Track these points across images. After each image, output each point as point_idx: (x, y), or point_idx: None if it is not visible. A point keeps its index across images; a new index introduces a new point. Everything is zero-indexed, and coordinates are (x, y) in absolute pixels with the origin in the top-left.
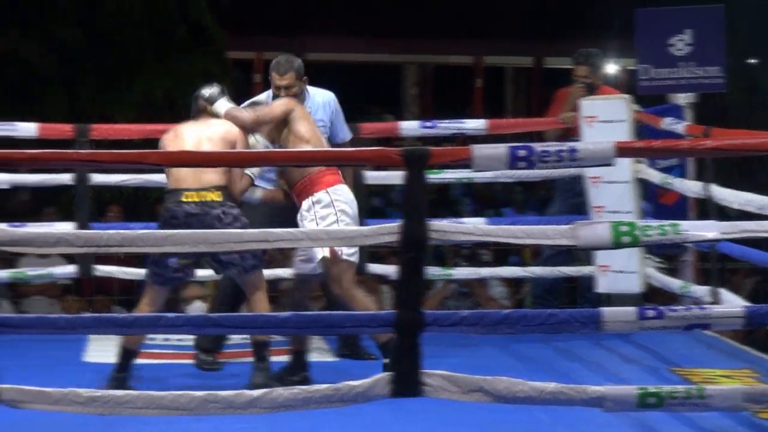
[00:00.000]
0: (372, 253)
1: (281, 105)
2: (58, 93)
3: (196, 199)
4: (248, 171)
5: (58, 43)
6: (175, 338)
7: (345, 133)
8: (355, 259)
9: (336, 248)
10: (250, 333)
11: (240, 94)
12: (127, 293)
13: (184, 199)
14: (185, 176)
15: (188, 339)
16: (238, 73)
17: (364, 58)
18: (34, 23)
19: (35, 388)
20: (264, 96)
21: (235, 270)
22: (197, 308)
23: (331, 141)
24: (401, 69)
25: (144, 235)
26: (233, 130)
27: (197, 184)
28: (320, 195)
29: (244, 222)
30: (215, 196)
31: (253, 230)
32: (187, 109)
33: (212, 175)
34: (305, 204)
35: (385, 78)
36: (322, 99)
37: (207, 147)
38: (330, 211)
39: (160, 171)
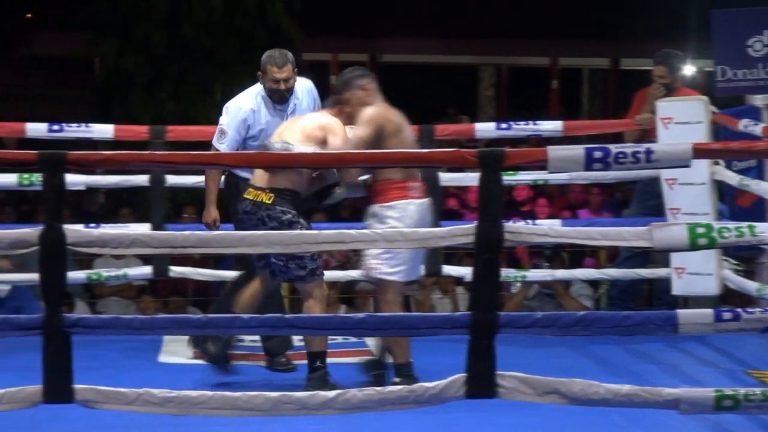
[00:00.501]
0: (448, 254)
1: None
2: (143, 95)
3: (252, 198)
4: None
5: (145, 46)
6: (249, 339)
7: None
8: (398, 278)
9: (374, 265)
10: (325, 334)
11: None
12: (202, 294)
13: (246, 196)
14: (258, 173)
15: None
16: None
17: (440, 60)
18: (124, 27)
19: (111, 388)
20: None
21: (283, 278)
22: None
23: None
24: (477, 70)
25: (219, 236)
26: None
27: (260, 183)
28: (376, 208)
29: (294, 227)
30: (266, 198)
31: (328, 231)
32: None
33: (276, 177)
34: (368, 211)
35: (461, 79)
36: (305, 88)
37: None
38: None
39: None
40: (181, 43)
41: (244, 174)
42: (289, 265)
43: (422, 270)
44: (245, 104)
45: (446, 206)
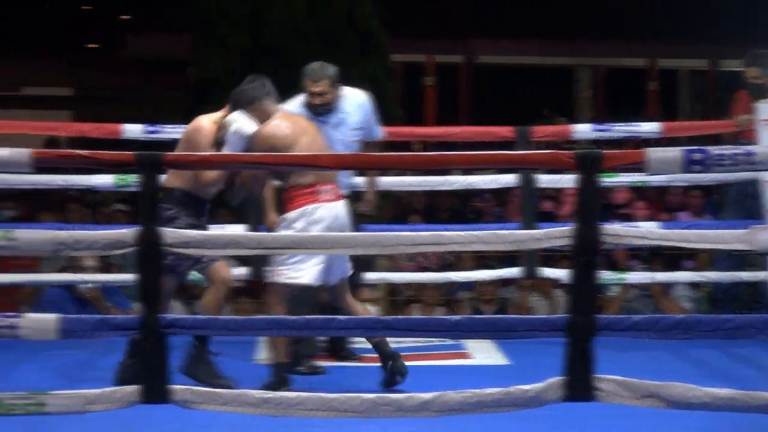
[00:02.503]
0: (545, 256)
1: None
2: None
3: None
4: None
5: (230, 50)
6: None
7: (375, 133)
8: (305, 282)
9: (283, 273)
10: (422, 336)
11: (411, 97)
12: None
13: None
14: None
15: (360, 341)
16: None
17: (536, 61)
18: (211, 31)
19: (207, 389)
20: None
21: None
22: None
23: (365, 141)
24: (574, 72)
25: (314, 237)
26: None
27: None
28: (286, 215)
29: (170, 224)
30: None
31: (425, 233)
32: None
33: (170, 177)
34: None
35: (558, 81)
36: (356, 101)
37: None
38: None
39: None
40: (265, 46)
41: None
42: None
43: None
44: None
45: (543, 208)
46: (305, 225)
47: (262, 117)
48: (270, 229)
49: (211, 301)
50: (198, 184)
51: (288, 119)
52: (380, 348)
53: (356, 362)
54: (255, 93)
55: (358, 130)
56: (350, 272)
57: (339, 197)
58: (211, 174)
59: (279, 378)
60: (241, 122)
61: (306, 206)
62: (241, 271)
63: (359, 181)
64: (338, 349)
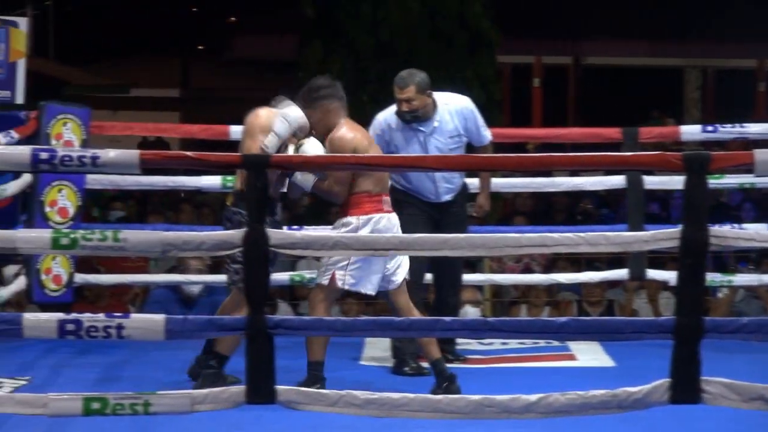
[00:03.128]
0: (652, 259)
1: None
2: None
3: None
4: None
5: (351, 50)
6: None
7: (483, 138)
8: (360, 289)
9: (338, 276)
10: (527, 338)
11: (518, 98)
12: None
13: None
14: None
15: (464, 343)
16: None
17: (645, 62)
18: (330, 31)
19: (313, 390)
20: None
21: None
22: (470, 312)
23: (472, 147)
24: (682, 73)
25: (422, 238)
26: None
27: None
28: (351, 219)
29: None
30: (228, 201)
31: (530, 234)
32: None
33: (239, 179)
34: (336, 222)
35: (666, 82)
36: (454, 108)
37: None
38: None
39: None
40: (382, 46)
41: (404, 185)
42: (229, 268)
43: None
44: (382, 116)
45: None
46: (371, 232)
47: (322, 118)
48: None
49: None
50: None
51: (359, 128)
52: (438, 368)
53: (462, 364)
54: (324, 91)
55: (457, 137)
56: (407, 275)
57: (391, 209)
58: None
59: (313, 377)
60: (290, 109)
61: (373, 214)
62: None
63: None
64: (444, 351)
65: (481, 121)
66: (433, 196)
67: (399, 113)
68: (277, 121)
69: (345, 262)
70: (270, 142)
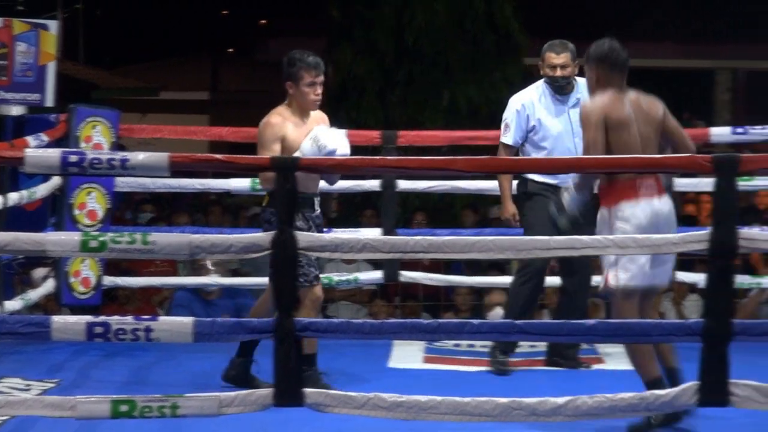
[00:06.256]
0: (681, 261)
1: (589, 129)
2: (373, 101)
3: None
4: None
5: (374, 52)
6: (479, 344)
7: None
8: (636, 283)
9: (611, 276)
10: (556, 341)
11: None
12: (433, 299)
13: None
14: None
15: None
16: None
17: (676, 64)
18: (355, 34)
19: (341, 392)
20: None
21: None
22: (498, 315)
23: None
24: (713, 74)
25: (450, 241)
26: None
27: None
28: (603, 212)
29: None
30: (264, 201)
31: (560, 237)
32: (491, 117)
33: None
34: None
35: (697, 84)
36: (584, 85)
37: None
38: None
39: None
40: (409, 49)
41: (533, 176)
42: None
43: (667, 277)
44: (523, 96)
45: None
46: (623, 222)
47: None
48: (507, 221)
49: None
50: (304, 182)
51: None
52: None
53: (585, 368)
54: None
55: None
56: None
57: (661, 192)
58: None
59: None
60: (324, 133)
61: (624, 201)
62: (375, 275)
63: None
64: (559, 355)
65: None
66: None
67: (551, 80)
68: (306, 142)
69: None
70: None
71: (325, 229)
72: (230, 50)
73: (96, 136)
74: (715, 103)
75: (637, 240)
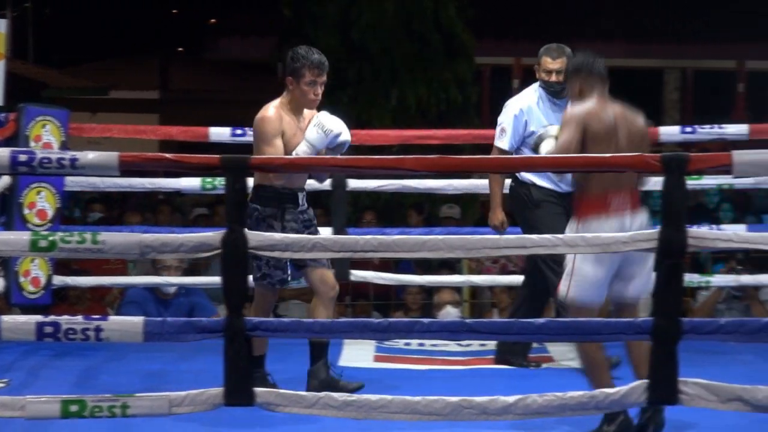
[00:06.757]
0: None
1: (571, 126)
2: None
3: None
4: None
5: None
6: (429, 343)
7: None
8: (586, 299)
9: (562, 286)
10: (506, 339)
11: (498, 100)
12: (384, 298)
13: None
14: None
15: (442, 344)
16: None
17: (624, 63)
18: (302, 33)
19: (291, 391)
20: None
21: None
22: (448, 313)
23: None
24: (662, 74)
25: (400, 240)
26: None
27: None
28: (572, 223)
29: (261, 224)
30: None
31: (510, 236)
32: (440, 116)
33: (257, 174)
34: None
35: (646, 83)
36: None
37: None
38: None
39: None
40: (358, 48)
41: (531, 179)
42: (252, 263)
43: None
44: (521, 101)
45: None
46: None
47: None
48: (496, 228)
49: (321, 312)
50: (289, 177)
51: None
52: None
53: (535, 367)
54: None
55: None
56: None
57: (635, 207)
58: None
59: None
60: (327, 119)
61: (592, 216)
62: None
63: None
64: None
65: None
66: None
67: (546, 84)
68: (312, 130)
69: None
70: (303, 153)
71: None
72: (180, 49)
73: (46, 136)
74: (663, 102)
75: (587, 239)
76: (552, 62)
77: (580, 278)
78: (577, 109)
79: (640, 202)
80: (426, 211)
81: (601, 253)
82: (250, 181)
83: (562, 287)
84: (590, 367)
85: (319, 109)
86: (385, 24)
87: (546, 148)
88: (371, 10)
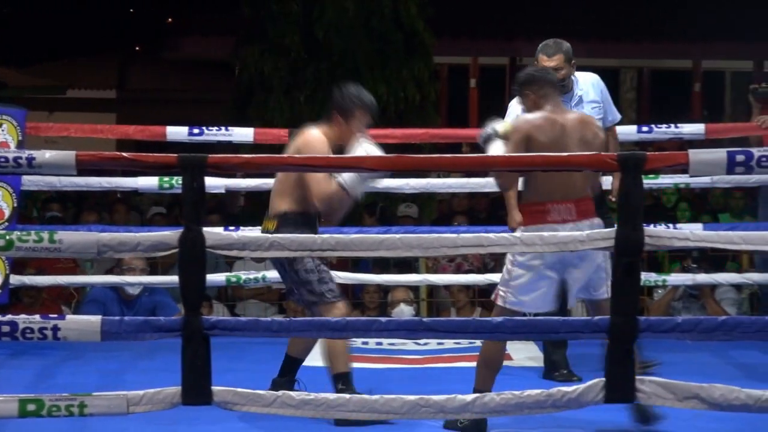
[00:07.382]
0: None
1: (515, 138)
2: (281, 99)
3: (263, 230)
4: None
5: (281, 49)
6: (386, 342)
7: (615, 114)
8: (521, 309)
9: (500, 291)
10: (463, 338)
11: (455, 99)
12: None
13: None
14: (271, 202)
15: (399, 343)
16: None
17: (580, 63)
18: (263, 31)
19: (249, 390)
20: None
21: (298, 302)
22: (402, 311)
23: (603, 122)
24: (618, 73)
25: (358, 239)
26: None
27: (270, 211)
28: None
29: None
30: (271, 226)
31: (467, 235)
32: (400, 116)
33: (278, 201)
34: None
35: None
36: (590, 80)
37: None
38: (509, 258)
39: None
40: (317, 47)
41: None
42: (300, 290)
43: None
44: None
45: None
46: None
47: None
48: (514, 230)
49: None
50: (308, 203)
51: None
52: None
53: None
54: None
55: (598, 106)
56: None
57: (581, 217)
58: (324, 189)
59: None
60: (372, 147)
61: (531, 225)
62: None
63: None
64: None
65: (611, 98)
66: None
67: None
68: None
69: (506, 279)
70: (351, 180)
71: (233, 228)
72: (138, 48)
73: (2, 135)
74: (620, 101)
75: (544, 238)
76: (548, 59)
77: (515, 285)
78: (522, 121)
79: (593, 210)
80: (378, 212)
81: (557, 252)
82: (208, 180)
83: (499, 293)
84: (482, 366)
85: (280, 109)
86: (346, 22)
87: (494, 151)
88: (333, 8)
